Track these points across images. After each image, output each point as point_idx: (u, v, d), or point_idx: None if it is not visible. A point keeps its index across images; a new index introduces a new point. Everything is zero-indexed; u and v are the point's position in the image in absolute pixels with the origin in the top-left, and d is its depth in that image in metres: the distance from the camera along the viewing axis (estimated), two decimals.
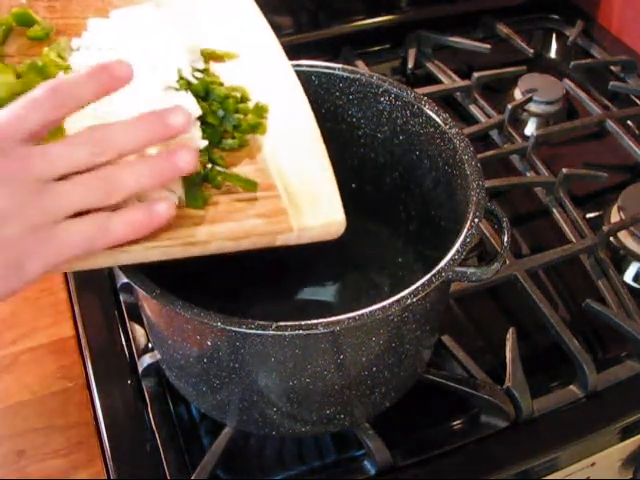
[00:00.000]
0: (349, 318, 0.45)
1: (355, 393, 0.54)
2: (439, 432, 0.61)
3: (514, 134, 0.87)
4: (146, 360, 0.63)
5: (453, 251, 0.49)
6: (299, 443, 0.61)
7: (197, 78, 0.53)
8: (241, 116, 0.53)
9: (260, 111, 0.54)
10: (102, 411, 0.61)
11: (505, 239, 0.54)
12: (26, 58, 0.51)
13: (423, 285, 0.47)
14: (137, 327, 0.67)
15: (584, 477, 0.63)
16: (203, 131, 0.50)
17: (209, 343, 0.50)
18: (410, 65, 0.98)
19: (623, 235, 0.75)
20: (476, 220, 0.51)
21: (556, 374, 0.65)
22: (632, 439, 0.63)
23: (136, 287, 0.47)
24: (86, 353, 0.65)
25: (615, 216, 0.77)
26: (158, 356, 0.61)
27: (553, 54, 1.06)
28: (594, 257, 0.73)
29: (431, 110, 0.59)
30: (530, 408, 0.61)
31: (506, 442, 0.60)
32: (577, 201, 0.79)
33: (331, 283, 0.66)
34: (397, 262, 0.67)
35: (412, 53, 0.99)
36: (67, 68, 0.51)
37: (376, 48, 1.02)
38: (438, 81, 0.95)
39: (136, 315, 0.66)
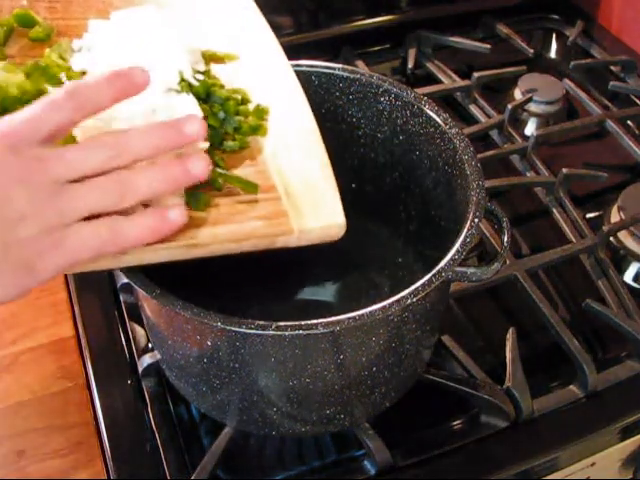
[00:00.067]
0: (349, 318, 0.45)
1: (355, 393, 0.54)
2: (439, 432, 0.61)
3: (514, 134, 0.87)
4: (146, 360, 0.62)
5: (453, 251, 0.49)
6: (299, 443, 0.61)
7: (198, 80, 0.53)
8: (242, 118, 0.53)
9: (261, 113, 0.54)
10: (102, 411, 0.61)
11: (505, 239, 0.54)
12: (27, 59, 0.51)
13: (423, 285, 0.47)
14: (137, 327, 0.67)
15: (584, 477, 0.63)
16: None
17: (209, 343, 0.50)
18: (410, 65, 0.98)
19: (623, 235, 0.75)
20: (476, 220, 0.51)
21: (556, 374, 0.65)
22: (632, 439, 0.63)
23: (136, 287, 0.47)
24: (86, 353, 0.65)
25: (615, 216, 0.77)
26: (158, 356, 0.61)
27: (553, 54, 1.05)
28: (594, 257, 0.73)
29: (431, 110, 0.59)
30: (530, 408, 0.61)
31: (506, 442, 0.60)
32: (577, 201, 0.79)
33: (331, 283, 0.66)
34: (397, 262, 0.67)
35: (412, 53, 0.99)
36: (69, 70, 0.51)
37: (376, 48, 1.02)
38: (438, 81, 0.95)
39: (136, 315, 0.66)
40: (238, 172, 0.51)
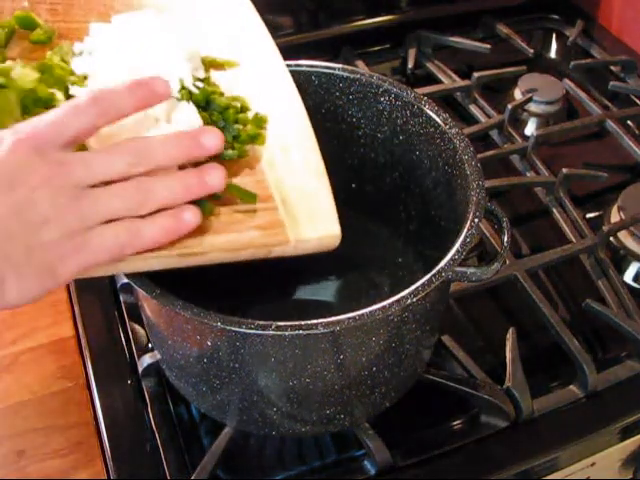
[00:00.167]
0: (349, 318, 0.45)
1: (355, 393, 0.54)
2: (439, 432, 0.61)
3: (514, 134, 0.87)
4: (146, 360, 0.63)
5: (453, 251, 0.49)
6: (299, 443, 0.61)
7: (198, 88, 0.53)
8: (240, 127, 0.53)
9: (259, 122, 0.54)
10: (102, 411, 0.61)
11: (505, 239, 0.54)
12: (29, 61, 0.51)
13: (423, 285, 0.47)
14: (137, 327, 0.67)
15: (584, 477, 0.63)
16: None
17: (209, 343, 0.50)
18: (410, 65, 0.98)
19: (623, 235, 0.75)
20: (476, 220, 0.51)
21: (556, 374, 0.65)
22: (632, 439, 0.63)
23: (136, 287, 0.47)
24: (86, 353, 0.65)
25: (615, 216, 0.77)
26: (158, 356, 0.61)
27: (553, 54, 1.05)
28: (594, 257, 0.73)
29: (431, 110, 0.59)
30: (530, 408, 0.61)
31: (506, 442, 0.60)
32: (577, 201, 0.79)
33: (331, 283, 0.66)
34: (397, 262, 0.67)
35: (412, 53, 0.99)
36: (71, 73, 0.51)
37: (376, 48, 1.02)
38: (438, 81, 0.95)
39: (136, 315, 0.66)
40: (237, 181, 0.51)
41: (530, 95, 0.91)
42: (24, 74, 0.48)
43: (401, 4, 1.01)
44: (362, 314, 0.46)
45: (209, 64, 0.57)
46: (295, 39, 0.95)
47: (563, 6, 1.09)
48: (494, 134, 0.88)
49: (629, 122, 0.91)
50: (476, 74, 0.92)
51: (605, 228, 0.73)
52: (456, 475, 0.58)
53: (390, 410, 0.58)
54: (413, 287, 0.47)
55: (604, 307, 0.68)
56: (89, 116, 0.43)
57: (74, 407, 0.62)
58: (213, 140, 0.47)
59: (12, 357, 0.66)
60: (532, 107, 0.92)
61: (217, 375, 0.52)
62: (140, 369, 0.63)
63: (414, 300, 0.46)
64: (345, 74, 0.62)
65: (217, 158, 0.50)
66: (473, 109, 0.91)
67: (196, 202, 0.47)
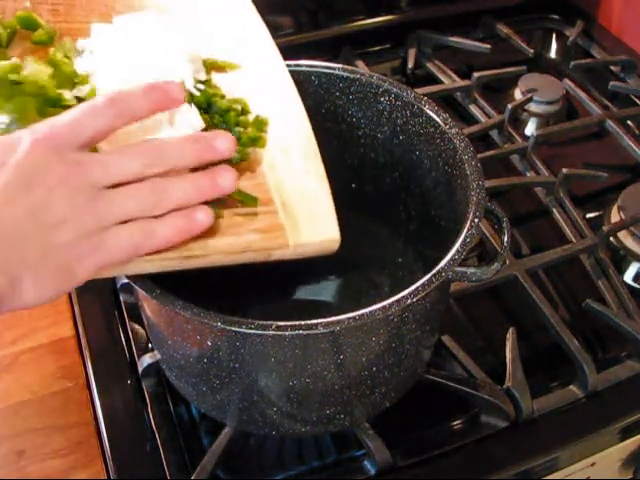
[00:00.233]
0: (349, 318, 0.45)
1: (355, 393, 0.54)
2: (439, 432, 0.61)
3: (514, 134, 0.87)
4: (146, 360, 0.62)
5: (453, 251, 0.49)
6: (299, 443, 0.61)
7: (199, 90, 0.53)
8: (241, 129, 0.53)
9: (260, 124, 0.54)
10: (102, 411, 0.61)
11: (505, 239, 0.54)
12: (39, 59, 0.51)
13: (423, 285, 0.47)
14: (137, 327, 0.67)
15: (584, 477, 0.63)
16: None
17: (209, 343, 0.50)
18: (410, 65, 0.98)
19: (623, 235, 0.75)
20: (476, 220, 0.51)
21: (556, 374, 0.65)
22: (632, 439, 0.63)
23: (136, 287, 0.47)
24: (86, 353, 0.65)
25: (615, 216, 0.77)
26: (158, 356, 0.61)
27: (553, 54, 1.05)
28: (594, 257, 0.73)
29: (431, 110, 0.59)
30: (530, 408, 0.61)
31: (506, 442, 0.60)
32: (577, 201, 0.79)
33: (331, 283, 0.66)
34: (397, 262, 0.67)
35: (412, 53, 0.99)
36: (75, 73, 0.51)
37: (376, 48, 1.02)
38: (438, 81, 0.95)
39: (136, 315, 0.66)
40: (238, 184, 0.51)
41: (530, 95, 0.91)
42: (38, 70, 0.49)
43: (401, 4, 1.01)
44: (362, 314, 0.46)
45: (210, 66, 0.57)
46: (295, 39, 0.95)
47: (563, 6, 1.08)
48: (494, 134, 0.88)
49: (629, 122, 0.91)
50: (476, 74, 0.92)
51: (605, 228, 0.73)
52: (456, 475, 0.58)
53: (390, 410, 0.58)
54: (413, 287, 0.47)
55: (604, 307, 0.68)
56: (106, 117, 0.43)
57: (74, 407, 0.62)
58: (226, 144, 0.47)
59: (12, 357, 0.66)
60: (532, 107, 0.92)
61: (217, 375, 0.52)
62: (140, 369, 0.63)
63: (414, 300, 0.46)
64: (345, 74, 0.62)
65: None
66: (473, 109, 0.91)
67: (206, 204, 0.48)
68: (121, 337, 0.66)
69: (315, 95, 0.62)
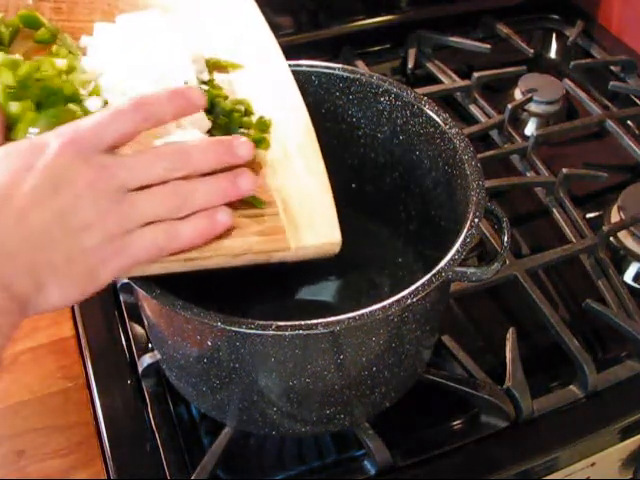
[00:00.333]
0: (349, 318, 0.45)
1: (355, 393, 0.54)
2: (439, 432, 0.61)
3: (514, 134, 0.87)
4: (146, 360, 0.62)
5: (453, 251, 0.49)
6: (299, 443, 0.61)
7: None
8: (245, 130, 0.53)
9: (263, 126, 0.54)
10: (102, 411, 0.61)
11: (505, 239, 0.54)
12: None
13: (423, 285, 0.47)
14: (137, 327, 0.67)
15: (584, 477, 0.63)
16: None
17: (209, 343, 0.50)
18: (410, 65, 0.98)
19: (623, 235, 0.75)
20: (476, 220, 0.51)
21: (556, 374, 0.65)
22: (632, 439, 0.63)
23: (136, 287, 0.47)
24: (86, 353, 0.65)
25: (615, 216, 0.77)
26: (158, 356, 0.61)
27: (553, 54, 1.05)
28: (594, 257, 0.73)
29: (431, 110, 0.59)
30: (530, 408, 0.61)
31: (506, 442, 0.60)
32: (577, 201, 0.79)
33: (331, 283, 0.66)
34: (397, 262, 0.67)
35: (412, 53, 0.99)
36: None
37: (376, 48, 1.02)
38: (438, 81, 0.95)
39: (136, 315, 0.66)
40: None
41: (530, 95, 0.91)
42: (53, 67, 0.49)
43: (401, 4, 1.01)
44: (362, 314, 0.46)
45: (213, 66, 0.56)
46: (295, 39, 0.95)
47: (563, 6, 1.09)
48: (494, 134, 0.88)
49: (629, 122, 0.91)
50: (476, 74, 0.92)
51: (605, 228, 0.73)
52: (456, 475, 0.58)
53: (390, 410, 0.58)
54: (413, 287, 0.47)
55: (604, 307, 0.68)
56: (131, 121, 0.44)
57: (74, 407, 0.62)
58: (246, 149, 0.48)
59: (12, 357, 0.66)
60: (532, 107, 0.92)
61: (217, 375, 0.52)
62: (140, 369, 0.63)
63: (414, 300, 0.46)
64: (345, 74, 0.62)
65: None
66: (473, 109, 0.91)
67: None
68: (121, 337, 0.66)
69: (315, 95, 0.62)
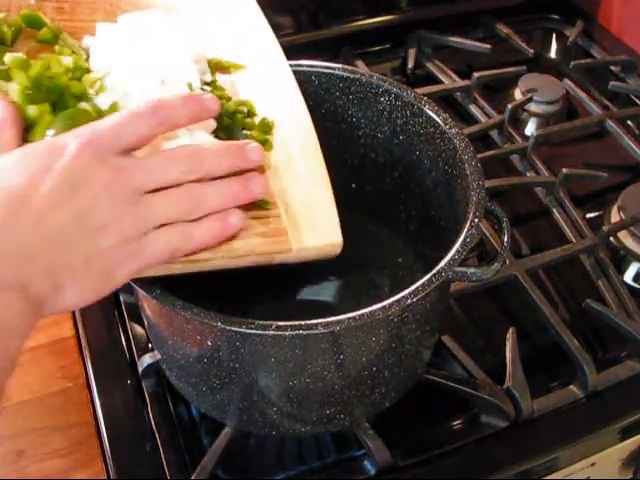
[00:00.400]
0: (349, 318, 0.45)
1: (355, 393, 0.54)
2: (439, 432, 0.61)
3: (514, 134, 0.87)
4: (146, 360, 0.62)
5: (453, 251, 0.49)
6: (299, 443, 0.61)
7: (205, 92, 0.52)
8: (248, 132, 0.53)
9: (265, 127, 0.54)
10: (102, 411, 0.61)
11: (505, 239, 0.54)
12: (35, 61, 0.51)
13: (423, 285, 0.47)
14: (137, 327, 0.67)
15: (584, 477, 0.63)
16: None
17: (209, 343, 0.50)
18: (410, 65, 0.98)
19: (623, 235, 0.75)
20: (476, 220, 0.51)
21: (556, 374, 0.65)
22: (632, 439, 0.63)
23: (136, 287, 0.47)
24: (86, 353, 0.65)
25: (615, 216, 0.77)
26: (158, 356, 0.61)
27: (553, 54, 1.06)
28: (594, 257, 0.73)
29: (431, 110, 0.59)
30: (530, 408, 0.61)
31: (506, 442, 0.60)
32: (577, 201, 0.79)
33: (331, 283, 0.66)
34: (397, 262, 0.67)
35: (412, 53, 0.99)
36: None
37: (376, 48, 1.02)
38: (438, 81, 0.95)
39: (136, 315, 0.66)
40: None
41: (530, 95, 0.91)
42: (57, 60, 0.49)
43: (401, 4, 1.01)
44: (362, 314, 0.46)
45: (215, 66, 0.56)
46: (295, 39, 0.95)
47: (563, 6, 1.09)
48: (494, 134, 0.88)
49: (629, 122, 0.91)
50: (476, 74, 0.92)
51: (605, 228, 0.73)
52: (456, 475, 0.58)
53: (390, 410, 0.58)
54: (413, 287, 0.47)
55: (604, 307, 0.68)
56: (148, 124, 0.44)
57: (74, 407, 0.62)
58: (257, 154, 0.48)
59: None
60: (532, 107, 0.92)
61: (217, 375, 0.52)
62: (140, 369, 0.63)
63: (414, 300, 0.46)
64: (345, 74, 0.62)
65: None
66: (473, 109, 0.91)
67: None
68: (121, 337, 0.66)
69: (315, 95, 0.62)
